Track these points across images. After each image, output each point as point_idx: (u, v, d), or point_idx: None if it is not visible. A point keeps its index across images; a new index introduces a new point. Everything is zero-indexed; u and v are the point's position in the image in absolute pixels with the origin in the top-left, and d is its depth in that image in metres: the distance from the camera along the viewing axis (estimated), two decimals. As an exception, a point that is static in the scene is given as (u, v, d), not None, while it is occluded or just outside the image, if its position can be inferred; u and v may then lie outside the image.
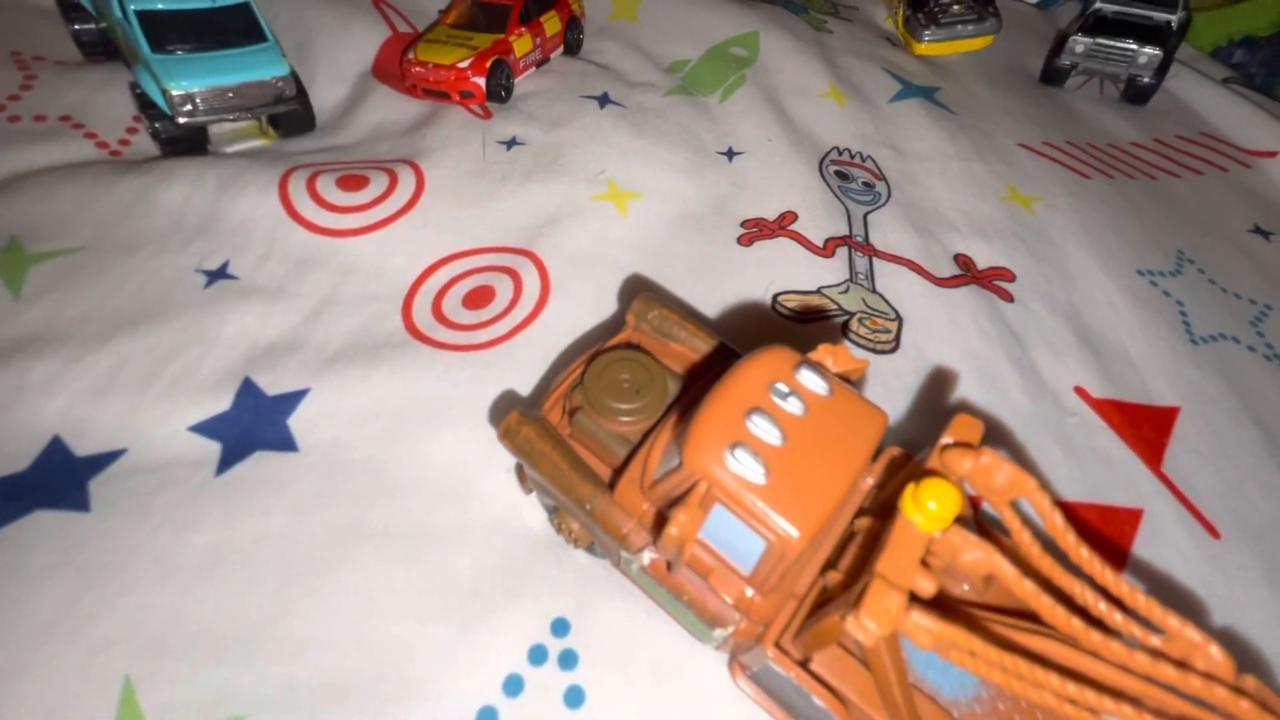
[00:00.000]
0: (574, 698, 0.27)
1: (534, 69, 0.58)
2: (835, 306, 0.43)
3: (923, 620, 0.18)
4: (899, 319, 0.43)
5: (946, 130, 0.58)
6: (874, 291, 0.44)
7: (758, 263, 0.45)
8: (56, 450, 0.32)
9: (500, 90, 0.54)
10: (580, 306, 0.41)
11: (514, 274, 0.42)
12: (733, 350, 0.31)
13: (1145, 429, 0.40)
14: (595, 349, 0.31)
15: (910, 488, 0.20)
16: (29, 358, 0.34)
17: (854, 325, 0.42)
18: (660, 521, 0.24)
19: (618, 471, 0.27)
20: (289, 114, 0.48)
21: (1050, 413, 0.40)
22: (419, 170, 0.47)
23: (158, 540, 0.30)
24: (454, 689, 0.27)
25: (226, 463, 0.32)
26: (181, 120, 0.45)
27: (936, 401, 0.39)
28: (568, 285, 0.42)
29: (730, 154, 0.53)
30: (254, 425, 0.34)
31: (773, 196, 0.50)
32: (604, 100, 0.55)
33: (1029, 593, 0.19)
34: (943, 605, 0.21)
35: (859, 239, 0.48)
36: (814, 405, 0.24)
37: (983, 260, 0.48)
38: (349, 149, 0.49)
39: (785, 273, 0.45)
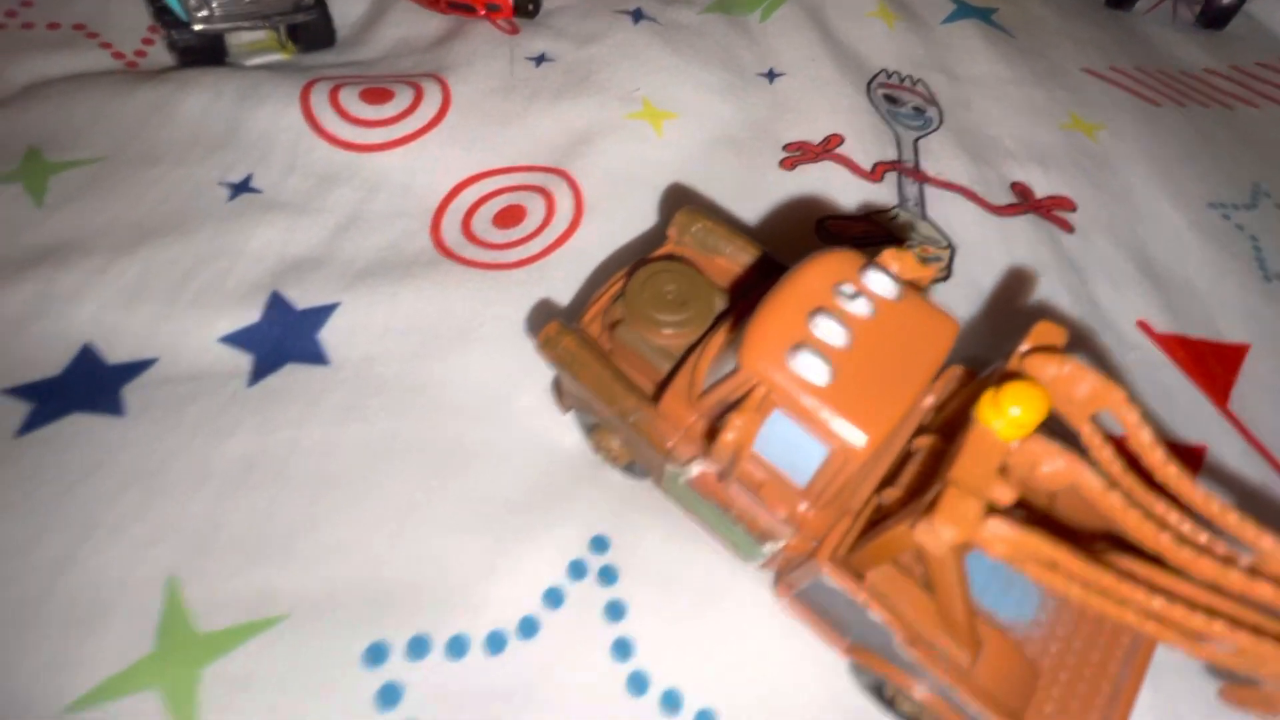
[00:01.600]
0: (614, 611, 0.28)
1: (564, -18, 0.56)
2: (885, 233, 0.42)
3: (1000, 528, 0.17)
4: (951, 247, 0.42)
5: (1003, 54, 0.55)
6: (924, 219, 0.43)
7: (801, 187, 0.44)
8: (88, 358, 0.32)
9: (528, 4, 0.52)
10: (615, 227, 0.40)
11: (546, 193, 0.41)
12: (783, 266, 0.29)
13: (1211, 365, 0.39)
14: (636, 262, 0.30)
15: (990, 393, 0.19)
16: (54, 266, 0.34)
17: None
18: (712, 432, 0.24)
19: (661, 385, 0.27)
20: (308, 26, 0.47)
21: (1110, 346, 0.38)
22: (445, 85, 0.46)
23: (192, 446, 0.30)
24: (495, 598, 0.27)
25: (258, 374, 0.32)
26: (198, 27, 0.44)
27: (993, 330, 0.38)
28: (602, 205, 0.40)
29: (771, 75, 0.51)
30: (284, 338, 0.34)
31: (817, 119, 0.48)
32: (637, 16, 0.53)
33: (1115, 506, 0.18)
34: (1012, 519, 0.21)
35: (909, 165, 0.46)
36: (882, 308, 0.23)
37: (1041, 189, 0.46)
38: (371, 64, 0.48)
39: (831, 198, 0.43)
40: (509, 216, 0.40)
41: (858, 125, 0.47)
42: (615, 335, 0.28)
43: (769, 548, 0.25)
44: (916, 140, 0.48)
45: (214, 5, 0.43)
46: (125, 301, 0.34)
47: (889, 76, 0.53)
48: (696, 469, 0.25)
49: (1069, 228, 0.44)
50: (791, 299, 0.22)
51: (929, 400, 0.26)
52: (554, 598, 0.28)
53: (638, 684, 0.26)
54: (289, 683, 0.25)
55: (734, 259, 0.30)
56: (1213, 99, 0.56)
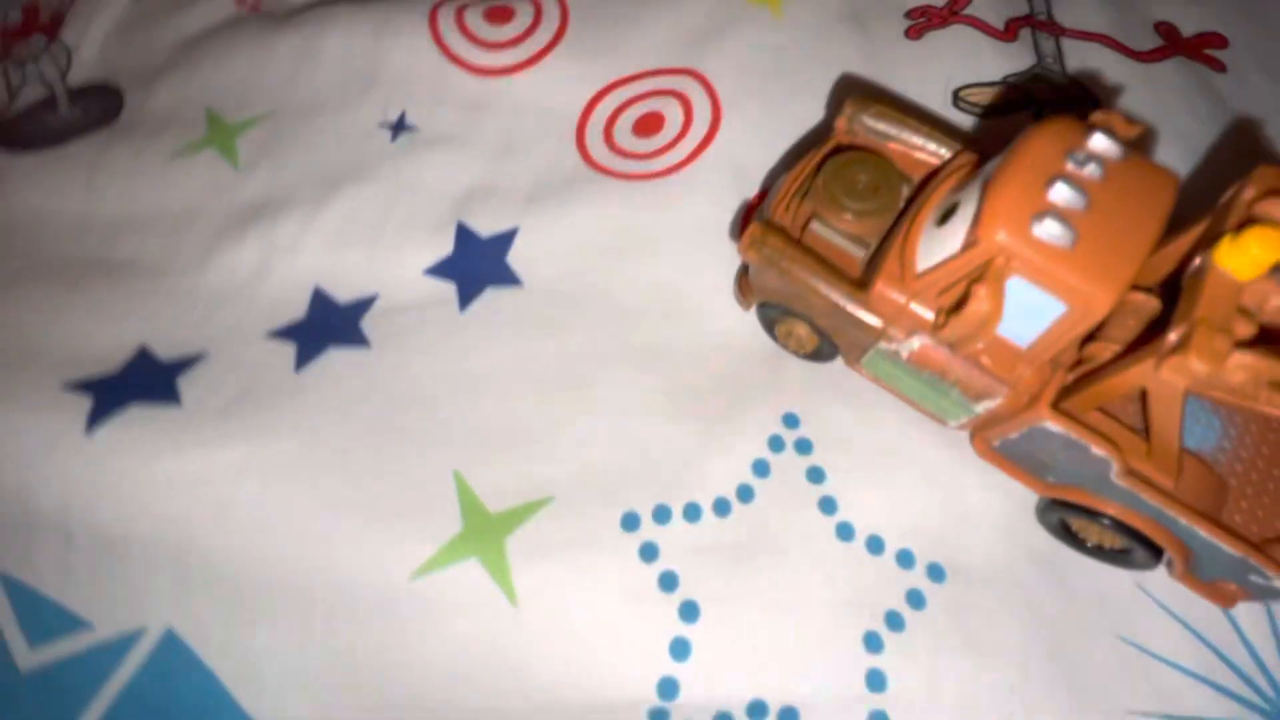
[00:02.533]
0: (815, 475, 0.33)
1: None
2: (1024, 96, 0.42)
3: (1244, 358, 0.20)
4: (1096, 102, 0.42)
5: None
6: (1065, 74, 0.43)
7: (931, 56, 0.44)
8: (321, 299, 0.37)
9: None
10: (755, 120, 0.41)
11: (681, 96, 0.43)
12: (961, 145, 0.32)
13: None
14: (811, 156, 0.32)
15: (1228, 239, 0.22)
16: (269, 221, 0.39)
17: (1048, 115, 0.41)
18: (952, 307, 0.26)
19: (864, 272, 0.30)
20: None
21: None
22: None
23: (434, 368, 0.35)
24: (713, 471, 0.33)
25: (464, 300, 0.37)
26: None
27: None
28: (738, 102, 0.42)
29: None
30: (479, 264, 0.38)
31: None
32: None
33: None
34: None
35: (1042, 16, 0.45)
36: (1111, 170, 0.25)
37: (1188, 27, 0.45)
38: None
39: (964, 64, 0.44)
40: (648, 125, 0.42)
41: None
42: (808, 228, 0.31)
43: (982, 406, 0.29)
44: (1048, -13, 0.46)
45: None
46: (335, 246, 0.38)
47: (1012, -83, 0.50)
48: (916, 343, 0.29)
49: (1221, 67, 0.43)
50: (1027, 169, 0.25)
51: None
52: (761, 468, 0.33)
53: (845, 532, 0.32)
54: (573, 545, 0.31)
55: (908, 143, 0.32)
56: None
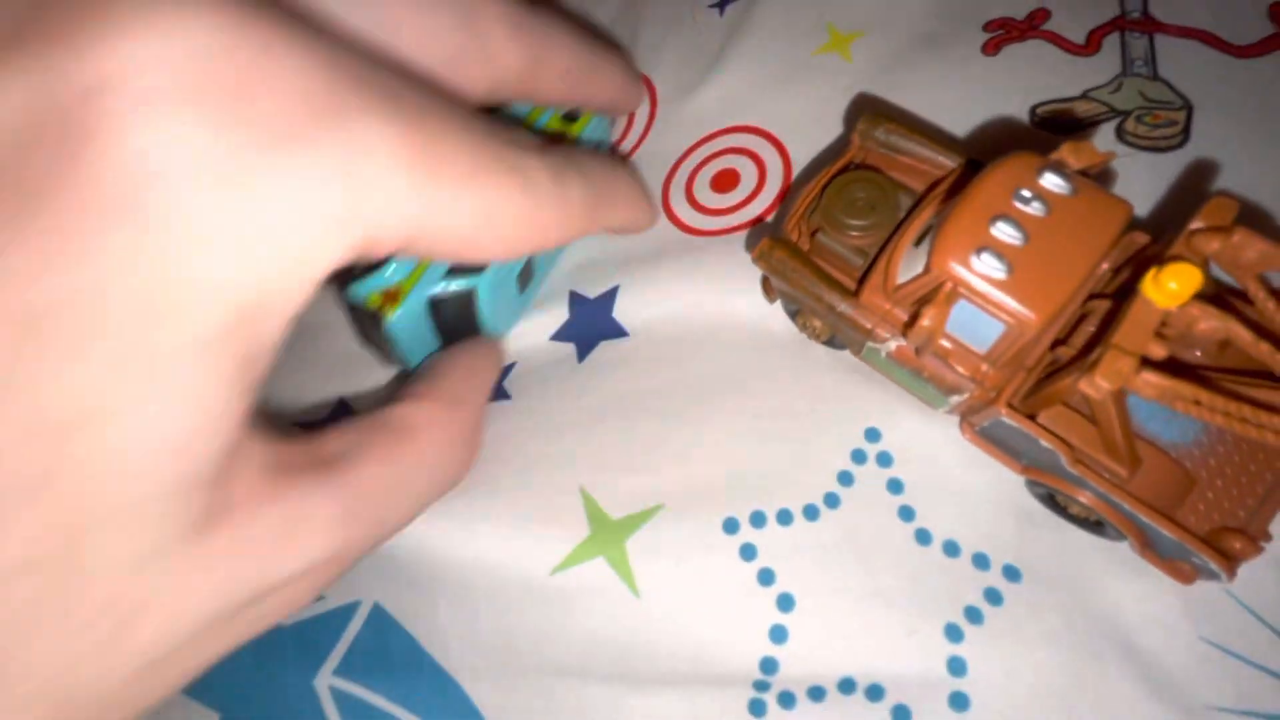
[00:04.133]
0: (895, 487, 0.38)
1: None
2: (1106, 109, 0.44)
3: (1151, 377, 0.24)
4: (1188, 106, 0.42)
5: None
6: (1155, 79, 0.43)
7: (1009, 71, 0.46)
8: None
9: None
10: None
11: (753, 155, 0.48)
12: (974, 161, 0.36)
13: None
14: (825, 172, 0.38)
15: (1153, 271, 0.25)
16: None
17: (1130, 125, 0.43)
18: (911, 319, 0.32)
19: (860, 280, 0.35)
20: None
21: None
22: (650, 84, 0.53)
23: (561, 406, 0.43)
24: (802, 481, 0.38)
25: (583, 354, 0.45)
26: None
27: (1242, 192, 0.39)
28: (807, 154, 0.47)
29: None
30: (591, 322, 0.46)
31: None
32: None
33: (1264, 353, 0.24)
34: (1174, 368, 0.27)
35: (1134, 15, 0.46)
36: (1056, 205, 0.29)
37: None
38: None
39: (1043, 80, 0.45)
40: (725, 181, 0.48)
41: None
42: (815, 240, 0.37)
43: (955, 399, 0.34)
44: (1146, -21, 0.47)
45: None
46: None
47: (1109, -100, 0.50)
48: (894, 344, 0.35)
49: None
50: (974, 208, 0.29)
51: (1104, 266, 0.32)
52: (845, 478, 0.38)
53: (923, 537, 0.36)
54: (683, 546, 0.38)
55: (918, 155, 0.37)
56: None
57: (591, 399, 0.44)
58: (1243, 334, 0.25)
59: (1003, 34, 0.48)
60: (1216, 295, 0.30)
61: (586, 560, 0.39)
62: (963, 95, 0.46)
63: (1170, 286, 0.25)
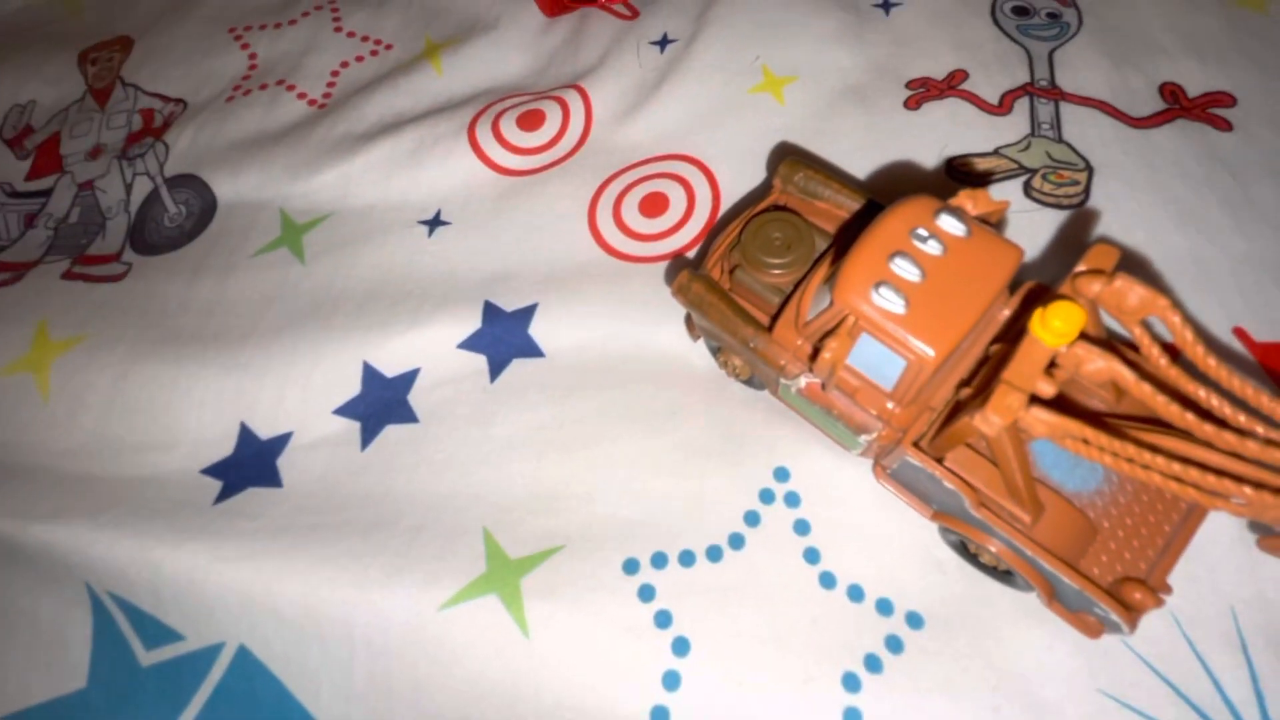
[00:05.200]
0: (801, 528, 0.37)
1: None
2: (1015, 166, 0.46)
3: (1041, 414, 0.24)
4: (1089, 169, 0.45)
5: (1156, -78, 0.54)
6: (1060, 141, 0.46)
7: (928, 126, 0.48)
8: (373, 376, 0.45)
9: (643, -19, 0.59)
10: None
11: (684, 181, 0.49)
12: (876, 203, 0.37)
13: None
14: (747, 213, 0.38)
15: (1039, 310, 0.25)
16: (329, 310, 0.48)
17: (1037, 182, 0.45)
18: (815, 353, 0.32)
19: (774, 316, 0.36)
20: None
21: (1270, 249, 0.40)
22: (586, 97, 0.54)
23: (471, 437, 0.42)
24: (708, 521, 0.38)
25: (495, 371, 0.44)
26: None
27: (1131, 252, 0.42)
28: (736, 188, 0.48)
29: (886, 6, 0.55)
30: (504, 337, 0.45)
31: (939, 55, 0.51)
32: (750, -38, 0.58)
33: (1146, 393, 0.24)
34: (1072, 410, 0.27)
35: (1043, 83, 0.49)
36: (952, 246, 0.29)
37: (1195, 86, 0.47)
38: (519, 82, 0.57)
39: (958, 135, 0.47)
40: (653, 205, 0.49)
41: (982, 56, 0.50)
42: (734, 277, 0.37)
43: (864, 438, 0.34)
44: (1052, 52, 0.50)
45: None
46: (383, 327, 0.46)
47: (1019, -18, 0.55)
48: (804, 381, 0.35)
49: (1226, 126, 0.45)
50: (874, 244, 0.30)
51: (1005, 313, 0.32)
52: (752, 518, 0.38)
53: (828, 580, 0.36)
54: (579, 586, 0.37)
55: (832, 201, 0.38)
56: None
57: (503, 430, 0.43)
58: (1125, 375, 0.26)
59: (924, 91, 0.50)
60: (1107, 342, 0.32)
61: (478, 596, 0.37)
62: (885, 145, 0.48)
63: (1056, 325, 0.26)
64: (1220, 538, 0.34)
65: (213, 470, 0.44)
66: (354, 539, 0.40)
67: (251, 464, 0.44)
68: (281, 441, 0.45)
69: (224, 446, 0.45)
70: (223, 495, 0.43)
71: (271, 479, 0.43)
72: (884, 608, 0.36)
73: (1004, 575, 0.34)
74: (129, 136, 0.61)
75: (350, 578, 0.38)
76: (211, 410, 0.46)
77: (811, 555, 0.37)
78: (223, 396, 0.46)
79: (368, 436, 0.44)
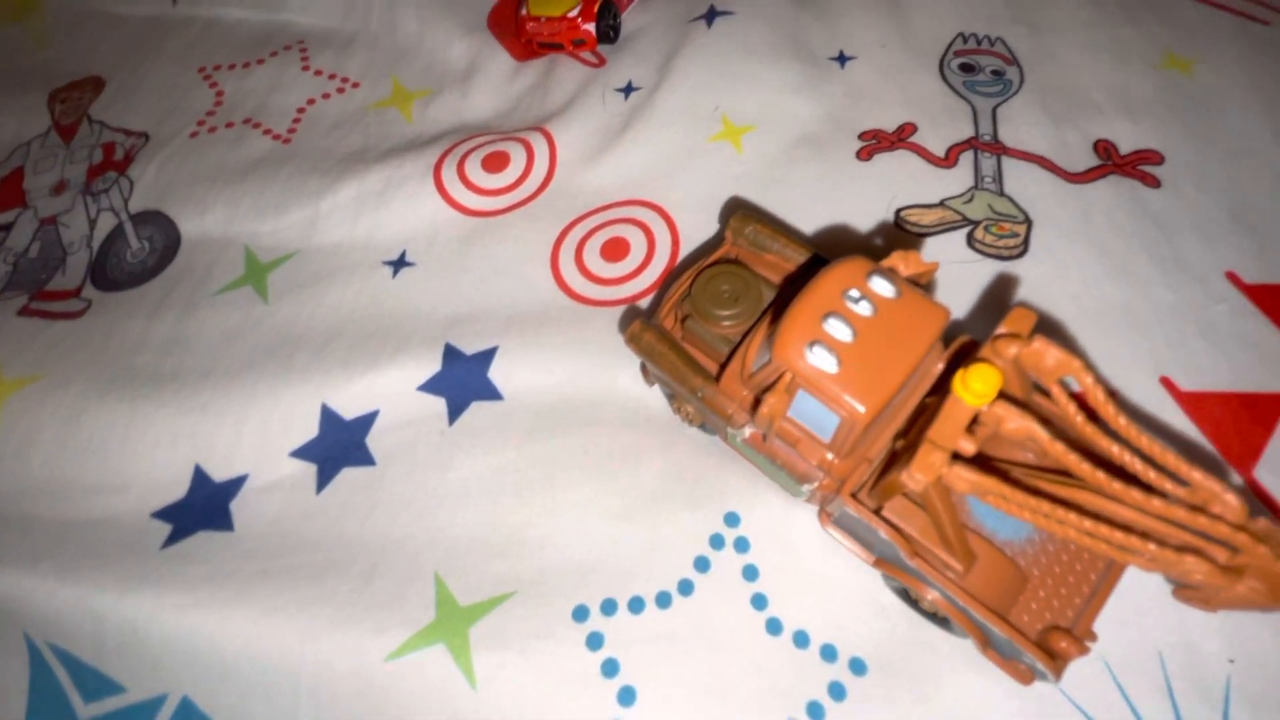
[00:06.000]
0: (750, 573, 0.38)
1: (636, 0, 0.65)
2: (959, 218, 0.48)
3: (963, 472, 0.25)
4: (1028, 221, 0.47)
5: (1089, -9, 0.57)
6: (1001, 195, 0.49)
7: (879, 177, 0.50)
8: (330, 418, 0.45)
9: (609, 31, 0.61)
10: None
11: (644, 227, 0.51)
12: (821, 257, 0.38)
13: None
14: (699, 265, 0.40)
15: (961, 371, 0.27)
16: (290, 350, 0.48)
17: (979, 234, 0.47)
18: (758, 404, 0.34)
19: (722, 366, 0.37)
20: None
21: (1194, 301, 0.43)
22: (551, 140, 0.56)
23: (428, 480, 0.43)
24: (657, 567, 0.38)
25: (454, 414, 0.45)
26: None
27: (1056, 301, 0.44)
28: (695, 235, 0.49)
29: (842, 59, 0.57)
30: (465, 380, 0.45)
31: (890, 108, 0.53)
32: (710, 16, 0.60)
33: (1059, 451, 0.26)
34: (996, 468, 0.29)
35: (986, 138, 0.52)
36: (882, 307, 0.31)
37: (1127, 144, 0.50)
38: (485, 123, 0.59)
39: (907, 186, 0.49)
40: (614, 249, 0.50)
41: (931, 110, 0.53)
42: (685, 327, 0.39)
43: (807, 488, 0.36)
44: (995, 108, 0.53)
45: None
46: (345, 367, 0.46)
47: (965, 40, 0.58)
48: (749, 431, 0.36)
49: (1154, 182, 0.48)
50: (809, 305, 0.31)
51: (939, 366, 0.34)
52: (702, 564, 0.39)
53: (774, 627, 0.37)
54: (528, 634, 0.37)
55: (780, 254, 0.40)
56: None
57: (459, 473, 0.43)
58: (1040, 434, 0.27)
59: (875, 143, 0.53)
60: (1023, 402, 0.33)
61: (425, 647, 0.38)
62: (838, 194, 0.50)
63: (975, 386, 0.28)
64: (1148, 584, 0.36)
65: (163, 514, 0.44)
66: (304, 585, 0.40)
67: (203, 507, 0.44)
68: (236, 484, 0.45)
69: (177, 489, 0.45)
70: (171, 539, 0.43)
71: (223, 522, 0.43)
72: (828, 654, 0.36)
73: (943, 621, 0.35)
74: (89, 170, 0.62)
75: (297, 626, 0.39)
76: (165, 451, 0.46)
77: (759, 601, 0.38)
78: (178, 437, 0.46)
79: (324, 479, 0.44)
